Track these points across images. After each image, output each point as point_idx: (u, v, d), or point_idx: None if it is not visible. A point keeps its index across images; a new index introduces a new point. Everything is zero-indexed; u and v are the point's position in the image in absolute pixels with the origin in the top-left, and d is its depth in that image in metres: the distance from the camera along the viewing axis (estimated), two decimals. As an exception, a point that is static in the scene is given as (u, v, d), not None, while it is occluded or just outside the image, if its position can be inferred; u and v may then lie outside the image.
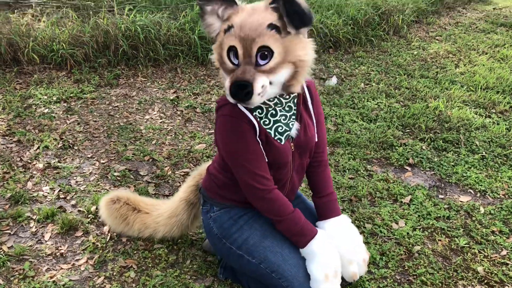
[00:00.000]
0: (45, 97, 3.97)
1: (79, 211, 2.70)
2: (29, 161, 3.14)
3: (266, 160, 1.81)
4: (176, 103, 4.07)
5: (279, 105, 1.77)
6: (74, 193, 2.85)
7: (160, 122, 3.75)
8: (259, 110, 1.78)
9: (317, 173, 2.07)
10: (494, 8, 7.74)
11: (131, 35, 4.60)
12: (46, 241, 2.45)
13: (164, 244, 2.44)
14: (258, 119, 1.77)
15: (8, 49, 4.37)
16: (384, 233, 2.62)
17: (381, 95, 4.31)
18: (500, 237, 2.62)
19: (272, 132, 1.80)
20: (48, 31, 4.62)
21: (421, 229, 2.67)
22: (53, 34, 4.58)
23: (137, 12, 4.95)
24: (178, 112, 3.92)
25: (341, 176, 3.13)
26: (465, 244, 2.55)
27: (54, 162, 3.14)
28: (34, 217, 2.62)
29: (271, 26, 1.56)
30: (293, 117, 1.83)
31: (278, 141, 1.81)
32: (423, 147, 3.52)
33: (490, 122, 3.90)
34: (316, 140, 1.98)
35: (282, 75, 1.64)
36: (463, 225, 2.71)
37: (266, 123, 1.79)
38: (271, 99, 1.73)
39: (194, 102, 4.09)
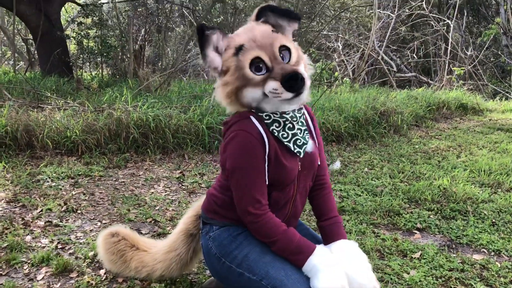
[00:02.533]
0: (54, 174, 4.05)
1: (76, 257, 2.60)
2: (30, 220, 3.11)
3: (267, 183, 1.81)
4: (181, 180, 4.12)
5: (295, 119, 1.80)
6: (72, 244, 2.77)
7: (165, 195, 3.76)
8: (276, 124, 1.79)
9: (321, 196, 2.03)
10: (490, 119, 8.09)
11: (142, 124, 4.82)
12: (38, 281, 2.34)
13: (162, 283, 2.31)
14: (276, 133, 1.78)
15: (24, 134, 4.57)
16: (395, 281, 2.47)
17: (385, 176, 4.35)
18: (520, 285, 2.46)
19: (291, 145, 1.81)
20: (64, 121, 4.87)
21: (435, 277, 2.52)
22: (68, 123, 4.82)
23: (150, 106, 5.25)
24: (183, 187, 3.95)
25: (348, 235, 3.03)
26: (483, 291, 2.39)
27: (56, 222, 3.10)
28: (28, 261, 2.52)
29: (275, 31, 1.70)
30: (306, 132, 1.84)
31: (298, 153, 1.82)
32: (431, 216, 3.46)
33: (497, 197, 3.86)
34: (319, 163, 2.00)
35: (304, 69, 1.74)
36: (479, 276, 2.56)
37: (285, 136, 1.80)
38: (288, 112, 1.78)
39: (200, 179, 4.13)
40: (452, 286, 2.44)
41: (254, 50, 1.64)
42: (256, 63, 1.65)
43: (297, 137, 1.79)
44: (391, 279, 2.49)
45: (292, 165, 1.81)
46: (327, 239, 1.95)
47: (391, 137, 6.00)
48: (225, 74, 1.73)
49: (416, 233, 3.18)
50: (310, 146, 1.84)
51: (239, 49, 1.66)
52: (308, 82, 1.68)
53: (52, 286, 2.29)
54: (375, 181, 4.21)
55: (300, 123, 1.81)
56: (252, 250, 1.88)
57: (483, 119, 8.02)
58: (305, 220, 3.26)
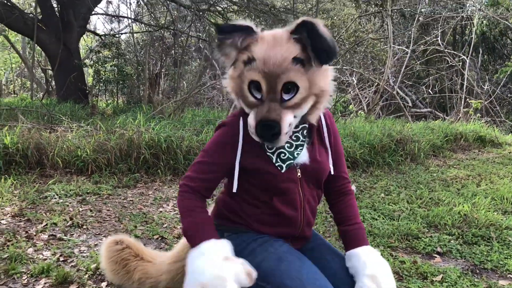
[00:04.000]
0: (62, 191, 3.97)
1: (78, 269, 2.48)
2: (34, 233, 3.01)
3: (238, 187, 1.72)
4: (191, 200, 4.00)
5: None
6: (75, 257, 2.66)
7: (174, 213, 3.65)
8: None
9: (343, 201, 1.89)
10: (510, 152, 7.88)
11: (154, 145, 4.76)
12: (36, 291, 2.22)
13: (165, 296, 2.17)
14: (262, 143, 1.70)
15: (35, 152, 4.53)
16: (416, 303, 2.30)
17: (402, 201, 4.18)
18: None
19: (274, 158, 1.72)
20: (75, 140, 4.84)
21: (458, 301, 2.34)
22: (79, 142, 4.78)
23: (162, 127, 5.21)
24: (193, 207, 3.83)
25: (363, 257, 2.87)
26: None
27: (60, 236, 3.00)
28: (28, 272, 2.41)
29: (296, 60, 1.51)
30: (300, 148, 1.72)
31: (279, 167, 1.72)
32: (451, 240, 3.28)
33: (521, 224, 3.67)
34: (333, 173, 1.88)
35: (306, 108, 1.61)
36: (507, 300, 2.38)
37: (270, 147, 1.73)
38: None
39: (210, 200, 4.01)
40: (478, 309, 2.26)
41: (259, 73, 1.52)
42: (255, 85, 1.55)
43: (282, 150, 1.69)
44: (411, 301, 2.31)
45: (284, 173, 1.70)
46: (352, 244, 1.80)
47: (408, 165, 5.84)
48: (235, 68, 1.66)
49: (436, 256, 3.00)
50: (304, 159, 1.71)
51: (250, 61, 1.55)
52: (286, 133, 1.54)
53: (50, 297, 2.17)
54: (392, 206, 4.05)
55: (293, 138, 1.70)
56: (266, 257, 1.74)
57: (502, 151, 7.81)
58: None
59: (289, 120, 1.54)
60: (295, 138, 1.70)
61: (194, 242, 1.61)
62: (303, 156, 1.74)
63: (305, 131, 1.72)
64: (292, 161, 1.71)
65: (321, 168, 1.80)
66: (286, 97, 1.53)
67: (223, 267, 1.50)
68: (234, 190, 1.73)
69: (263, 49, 1.53)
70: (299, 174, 1.74)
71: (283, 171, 1.70)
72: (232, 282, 1.48)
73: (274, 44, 1.53)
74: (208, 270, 1.50)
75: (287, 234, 1.79)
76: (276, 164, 1.67)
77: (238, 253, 1.78)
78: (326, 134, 1.86)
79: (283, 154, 1.69)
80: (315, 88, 1.57)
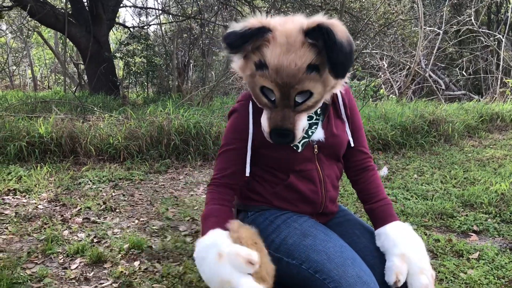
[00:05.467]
0: (95, 177, 4.05)
1: (111, 249, 2.53)
2: (69, 216, 3.09)
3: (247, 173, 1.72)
4: (221, 184, 4.02)
5: None
6: (108, 239, 2.71)
7: (205, 196, 3.67)
8: None
9: (365, 178, 1.85)
10: (549, 132, 7.59)
11: (183, 131, 4.80)
12: (72, 269, 2.27)
13: (197, 271, 2.19)
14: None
15: (68, 141, 4.64)
16: (451, 279, 2.24)
17: (436, 181, 4.08)
18: None
19: None
20: (107, 129, 4.92)
21: (497, 277, 2.27)
22: (111, 131, 4.87)
23: (191, 114, 5.24)
24: (223, 190, 3.84)
25: (396, 235, 2.82)
26: (553, 291, 2.12)
27: (94, 219, 3.07)
28: (64, 253, 2.47)
29: (311, 68, 1.43)
30: (315, 126, 1.69)
31: (295, 147, 1.69)
32: (488, 219, 3.18)
33: None
34: (353, 145, 1.82)
35: (319, 106, 1.60)
36: (548, 276, 2.29)
37: None
38: None
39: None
40: (517, 285, 2.18)
41: (271, 82, 1.45)
42: (268, 89, 1.49)
43: None
44: (446, 277, 2.26)
45: (300, 152, 1.67)
46: (380, 222, 1.74)
47: (442, 146, 5.69)
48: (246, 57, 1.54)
49: (472, 235, 2.92)
50: (319, 136, 1.68)
51: (262, 66, 1.46)
52: (300, 134, 1.54)
53: (85, 274, 2.22)
54: (425, 186, 3.96)
55: (307, 117, 1.64)
56: (290, 233, 1.72)
57: (542, 131, 7.54)
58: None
59: (303, 124, 1.53)
60: (308, 118, 1.65)
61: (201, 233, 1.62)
62: (319, 133, 1.70)
63: (319, 110, 1.69)
64: (307, 140, 1.68)
65: (339, 141, 1.75)
66: (299, 99, 1.48)
67: (220, 271, 1.44)
68: (247, 174, 1.72)
69: (275, 55, 1.43)
70: (315, 150, 1.71)
71: (299, 150, 1.68)
72: (240, 279, 1.42)
73: (287, 49, 1.42)
74: (211, 277, 1.46)
75: (310, 210, 1.77)
76: (292, 145, 1.64)
77: (263, 231, 1.76)
78: (342, 107, 1.80)
79: None
80: (328, 88, 1.53)
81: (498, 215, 3.24)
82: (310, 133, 1.68)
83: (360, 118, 1.83)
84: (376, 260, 1.69)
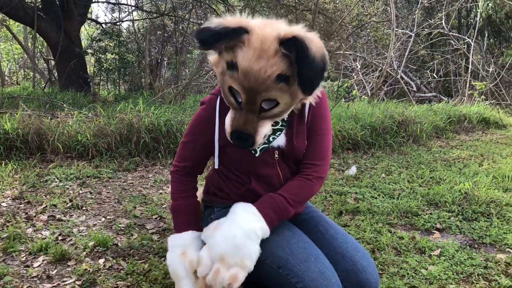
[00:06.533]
0: (62, 175, 3.98)
1: (76, 247, 2.49)
2: (33, 214, 3.03)
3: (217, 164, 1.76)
4: (191, 182, 4.00)
5: None
6: (73, 237, 2.67)
7: (173, 195, 3.65)
8: None
9: (298, 179, 1.75)
10: (514, 134, 7.82)
11: (154, 129, 4.76)
12: (34, 267, 2.23)
13: (162, 269, 2.18)
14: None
15: (35, 137, 4.55)
16: (413, 275, 2.29)
17: (403, 181, 4.17)
18: (551, 282, 2.25)
19: None
20: (76, 126, 4.84)
21: (455, 273, 2.33)
22: (79, 128, 4.79)
23: (162, 112, 5.20)
24: (193, 189, 3.83)
25: (361, 233, 2.87)
26: (509, 286, 2.19)
27: (59, 217, 3.01)
28: (26, 250, 2.42)
29: (280, 78, 1.41)
30: (278, 132, 1.68)
31: (253, 151, 1.69)
32: (451, 217, 3.26)
33: (522, 201, 3.64)
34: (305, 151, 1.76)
35: (286, 115, 1.59)
36: (505, 272, 2.37)
37: None
38: None
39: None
40: (475, 281, 2.25)
41: (239, 84, 1.44)
42: (235, 90, 1.49)
43: None
44: (408, 273, 2.31)
45: (260, 157, 1.69)
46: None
47: (410, 146, 5.81)
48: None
49: (435, 232, 2.99)
50: (280, 142, 1.69)
51: (232, 66, 1.44)
52: (260, 140, 1.54)
53: (47, 272, 2.18)
54: (392, 185, 4.04)
55: (272, 123, 1.62)
56: (256, 230, 1.74)
57: (506, 133, 7.75)
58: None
59: (265, 131, 1.53)
60: (273, 123, 1.63)
61: (173, 227, 1.82)
62: (280, 140, 1.70)
63: (285, 117, 1.66)
64: (267, 146, 1.68)
65: (298, 150, 1.75)
66: (265, 106, 1.48)
67: (175, 265, 1.71)
68: (216, 166, 1.75)
69: (247, 58, 1.41)
70: (276, 155, 1.72)
71: (257, 155, 1.68)
72: (185, 280, 1.68)
73: (259, 55, 1.40)
74: (170, 266, 1.73)
75: None
76: (250, 148, 1.63)
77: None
78: (307, 116, 1.76)
79: None
80: (296, 100, 1.53)
81: (460, 213, 3.33)
82: (271, 139, 1.67)
83: (327, 122, 1.78)
84: (339, 256, 1.73)
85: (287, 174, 1.77)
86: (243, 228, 1.56)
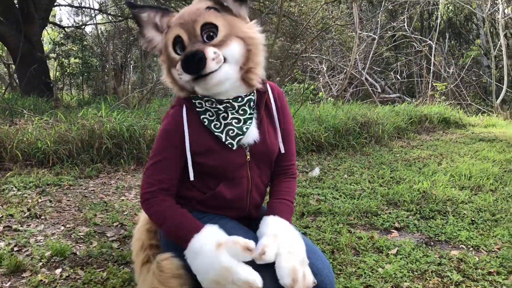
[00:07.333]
0: (21, 184, 3.89)
1: (32, 258, 2.45)
2: (-12, 225, 2.95)
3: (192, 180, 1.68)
4: (154, 187, 3.98)
5: (231, 109, 1.66)
6: (30, 247, 2.61)
7: (136, 201, 3.62)
8: (209, 113, 1.67)
9: (280, 181, 1.84)
10: (472, 133, 8.07)
11: (116, 134, 4.71)
12: (-14, 280, 2.18)
13: (120, 277, 2.17)
14: (207, 123, 1.66)
15: (-8, 145, 4.43)
16: (369, 275, 2.35)
17: (364, 181, 4.25)
18: (499, 276, 2.35)
19: (223, 136, 1.69)
20: (35, 132, 4.74)
21: (410, 271, 2.40)
22: (39, 134, 4.69)
23: (124, 117, 5.15)
24: (156, 194, 3.81)
25: (322, 234, 2.91)
26: (460, 282, 2.27)
27: (16, 227, 2.95)
28: (-21, 263, 2.36)
29: (209, 8, 1.58)
30: (249, 121, 1.69)
31: (230, 145, 1.69)
32: (409, 216, 3.35)
33: (477, 198, 3.77)
34: (283, 151, 1.86)
35: (234, 49, 1.58)
36: (457, 268, 2.45)
37: (217, 126, 1.68)
38: (226, 100, 1.66)
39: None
40: (428, 278, 2.32)
41: (176, 28, 1.57)
42: (179, 42, 1.57)
43: (230, 127, 1.66)
44: (365, 273, 2.37)
45: (233, 156, 1.68)
46: (269, 212, 1.71)
47: (372, 147, 5.93)
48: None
49: (393, 232, 3.07)
50: (254, 136, 1.69)
51: (168, 27, 1.61)
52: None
53: (1, 285, 2.13)
54: (353, 185, 4.12)
55: (241, 112, 1.67)
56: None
57: (465, 132, 8.00)
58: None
59: (213, 49, 1.52)
60: (242, 112, 1.67)
61: (182, 243, 1.56)
62: (253, 132, 1.71)
63: (252, 103, 1.69)
64: (242, 136, 1.67)
65: (272, 147, 1.78)
66: (207, 39, 1.56)
67: (220, 258, 1.44)
68: (192, 178, 1.68)
69: (178, 13, 1.62)
70: (248, 157, 1.72)
71: (234, 148, 1.67)
72: (238, 267, 1.43)
73: (188, 7, 1.63)
74: (210, 267, 1.46)
75: (233, 215, 1.77)
76: (226, 142, 1.64)
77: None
78: (274, 109, 1.81)
79: (231, 131, 1.65)
80: (237, 30, 1.59)
81: (418, 212, 3.42)
82: (245, 129, 1.67)
83: (292, 122, 1.86)
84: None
85: (255, 178, 1.77)
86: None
